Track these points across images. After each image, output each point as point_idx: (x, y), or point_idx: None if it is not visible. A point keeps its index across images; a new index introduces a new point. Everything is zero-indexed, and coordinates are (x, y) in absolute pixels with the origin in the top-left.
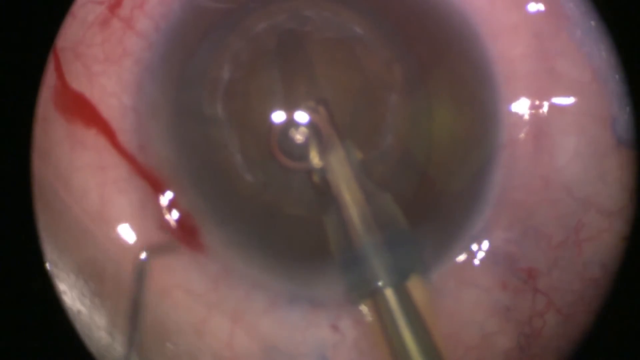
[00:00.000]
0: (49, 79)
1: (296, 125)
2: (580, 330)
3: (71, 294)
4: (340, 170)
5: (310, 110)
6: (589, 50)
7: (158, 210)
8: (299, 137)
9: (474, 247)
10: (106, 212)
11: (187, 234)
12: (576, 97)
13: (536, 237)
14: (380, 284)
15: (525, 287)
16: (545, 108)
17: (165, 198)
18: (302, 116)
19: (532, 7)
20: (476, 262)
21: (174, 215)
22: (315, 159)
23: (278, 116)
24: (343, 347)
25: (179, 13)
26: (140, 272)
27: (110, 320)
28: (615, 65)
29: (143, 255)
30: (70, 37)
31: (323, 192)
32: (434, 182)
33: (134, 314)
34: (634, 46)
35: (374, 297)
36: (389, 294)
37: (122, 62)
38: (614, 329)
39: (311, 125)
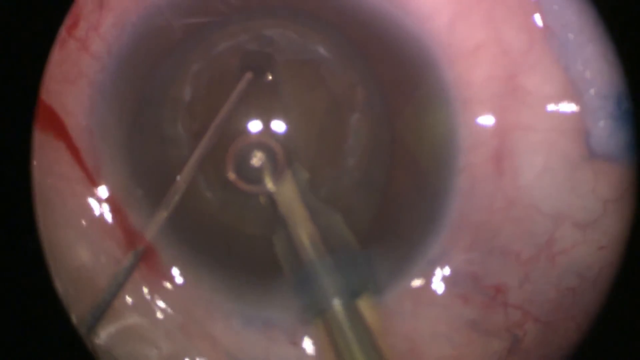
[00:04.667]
0: None
1: (253, 148)
2: (564, 337)
3: None
4: (286, 191)
5: (265, 135)
6: (564, 64)
7: (115, 231)
8: (255, 160)
9: (431, 268)
10: (66, 233)
11: (144, 255)
12: (545, 114)
13: (503, 255)
14: (330, 303)
15: (493, 303)
16: (508, 128)
17: (123, 219)
18: (260, 139)
19: (503, 22)
20: (434, 282)
21: (130, 237)
22: (269, 183)
23: (238, 139)
24: None
25: (133, 35)
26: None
27: None
28: (592, 79)
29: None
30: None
31: (273, 212)
32: (392, 204)
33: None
34: (633, 48)
35: (324, 315)
36: (338, 312)
37: (77, 82)
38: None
39: (266, 149)
